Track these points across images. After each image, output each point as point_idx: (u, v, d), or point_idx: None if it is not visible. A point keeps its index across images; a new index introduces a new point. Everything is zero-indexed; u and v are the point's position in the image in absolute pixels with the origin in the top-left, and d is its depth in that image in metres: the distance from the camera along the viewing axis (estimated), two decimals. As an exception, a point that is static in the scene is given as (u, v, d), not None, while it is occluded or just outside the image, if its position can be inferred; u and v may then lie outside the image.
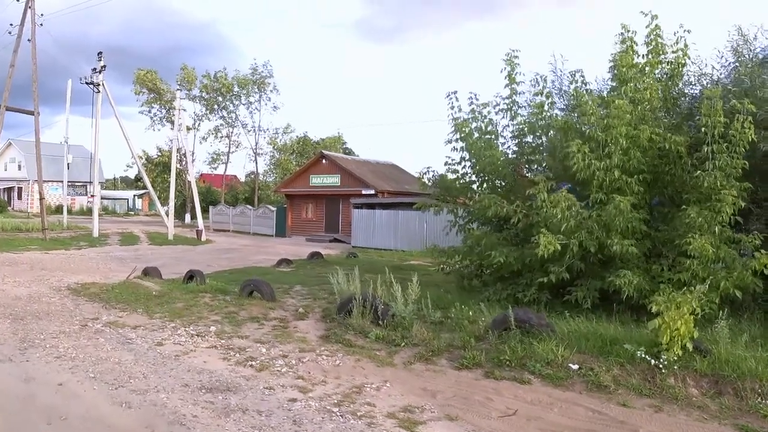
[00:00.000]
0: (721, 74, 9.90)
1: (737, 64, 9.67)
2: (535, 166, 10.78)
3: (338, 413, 5.28)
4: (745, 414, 5.50)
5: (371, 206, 29.67)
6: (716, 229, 7.83)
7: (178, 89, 37.48)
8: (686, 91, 10.25)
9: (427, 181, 13.12)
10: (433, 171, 12.34)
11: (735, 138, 8.00)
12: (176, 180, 33.51)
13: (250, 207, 41.02)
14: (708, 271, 7.73)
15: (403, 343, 7.68)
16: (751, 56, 9.72)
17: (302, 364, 6.88)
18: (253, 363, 6.83)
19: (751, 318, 7.99)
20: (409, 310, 8.50)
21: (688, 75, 10.19)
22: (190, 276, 12.71)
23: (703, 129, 8.17)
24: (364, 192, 32.24)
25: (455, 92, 11.18)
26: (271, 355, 7.21)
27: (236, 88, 48.22)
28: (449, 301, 9.81)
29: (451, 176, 11.87)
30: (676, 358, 6.15)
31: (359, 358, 7.17)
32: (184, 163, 43.30)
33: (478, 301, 9.38)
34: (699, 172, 8.14)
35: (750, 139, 7.95)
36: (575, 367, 6.51)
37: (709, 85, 9.16)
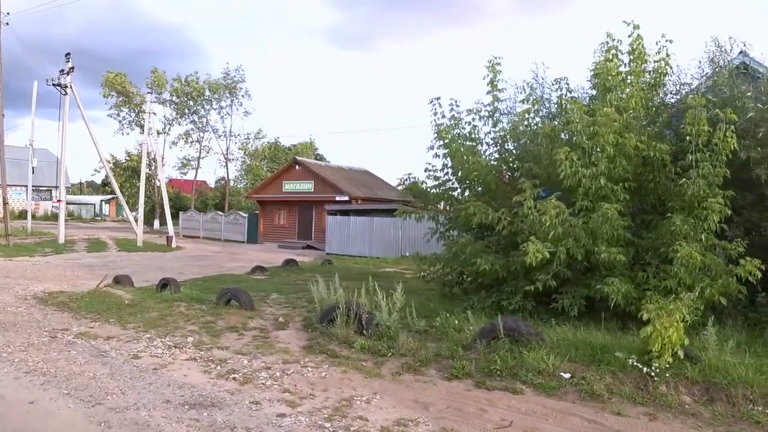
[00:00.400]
0: (700, 84, 10.01)
1: (714, 75, 9.79)
2: (518, 173, 10.71)
3: (331, 429, 5.08)
4: (739, 421, 5.50)
5: (345, 213, 29.47)
6: (702, 236, 7.89)
7: (148, 92, 36.59)
8: (666, 100, 10.34)
9: (405, 189, 12.94)
10: (414, 178, 12.19)
11: (717, 147, 8.08)
12: (145, 185, 32.78)
13: (221, 213, 40.40)
14: (694, 279, 7.77)
15: (389, 354, 7.52)
16: (727, 67, 9.85)
17: (287, 376, 6.66)
18: (236, 376, 6.58)
19: (734, 324, 8.04)
20: (393, 319, 8.34)
21: (668, 84, 10.31)
22: (164, 284, 12.36)
23: (687, 138, 8.22)
24: (337, 198, 32.01)
25: (438, 98, 11.11)
26: (254, 367, 6.97)
27: (207, 93, 47.54)
28: (432, 309, 9.67)
29: (431, 183, 11.76)
30: (667, 365, 6.13)
31: (346, 369, 6.98)
32: (153, 167, 42.51)
33: (461, 309, 9.25)
34: (684, 180, 8.18)
35: (732, 148, 8.04)
36: (567, 375, 6.44)
37: (689, 95, 9.24)
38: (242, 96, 48.78)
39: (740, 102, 8.81)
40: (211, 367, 6.92)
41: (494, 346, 7.20)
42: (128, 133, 52.68)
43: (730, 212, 8.08)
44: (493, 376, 6.61)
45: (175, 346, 7.81)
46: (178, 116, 48.35)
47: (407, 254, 22.41)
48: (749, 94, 8.82)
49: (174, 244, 29.51)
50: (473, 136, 11.06)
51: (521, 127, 10.74)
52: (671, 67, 9.85)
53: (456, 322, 8.51)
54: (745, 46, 10.32)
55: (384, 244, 26.37)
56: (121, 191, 34.84)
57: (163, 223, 40.03)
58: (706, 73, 10.05)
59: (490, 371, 6.68)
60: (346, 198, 31.82)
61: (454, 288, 11.55)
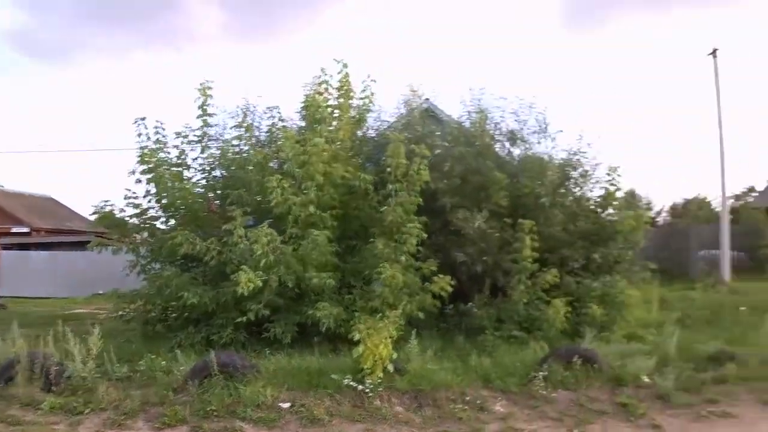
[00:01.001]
0: (397, 122, 11.19)
1: (409, 115, 11.06)
2: (228, 201, 10.42)
3: None
4: (445, 420, 6.08)
5: (25, 247, 25.26)
6: (403, 258, 8.63)
7: None
8: (369, 134, 11.28)
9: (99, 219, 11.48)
10: (112, 206, 10.90)
11: (413, 178, 9.01)
12: None
13: None
14: (396, 297, 8.43)
15: (87, 410, 6.37)
16: (419, 109, 11.24)
17: (-59, 462, 5.15)
18: None
19: (430, 335, 8.93)
20: (89, 368, 7.18)
21: (370, 120, 11.31)
22: None
23: (387, 169, 9.04)
24: (15, 230, 27.54)
25: (143, 119, 10.26)
26: None
27: None
28: (134, 351, 8.65)
29: (132, 211, 10.70)
30: (379, 380, 6.49)
31: (31, 438, 5.71)
32: None
33: (168, 349, 8.51)
34: (385, 207, 8.91)
35: (425, 180, 9.05)
36: (287, 405, 6.33)
37: (388, 131, 10.21)
38: None
39: (431, 140, 10.11)
40: None
41: (208, 385, 6.67)
42: None
43: (426, 235, 9.02)
44: (210, 417, 6.10)
45: None
46: None
47: (102, 292, 20.06)
48: (438, 133, 10.18)
49: None
50: (180, 161, 10.48)
51: (230, 154, 10.55)
52: (374, 105, 10.85)
53: (164, 363, 7.69)
54: (433, 92, 12.01)
55: (73, 281, 23.09)
56: None
57: None
58: (402, 113, 11.31)
59: (207, 413, 6.15)
60: (27, 230, 27.59)
61: (157, 326, 10.55)
